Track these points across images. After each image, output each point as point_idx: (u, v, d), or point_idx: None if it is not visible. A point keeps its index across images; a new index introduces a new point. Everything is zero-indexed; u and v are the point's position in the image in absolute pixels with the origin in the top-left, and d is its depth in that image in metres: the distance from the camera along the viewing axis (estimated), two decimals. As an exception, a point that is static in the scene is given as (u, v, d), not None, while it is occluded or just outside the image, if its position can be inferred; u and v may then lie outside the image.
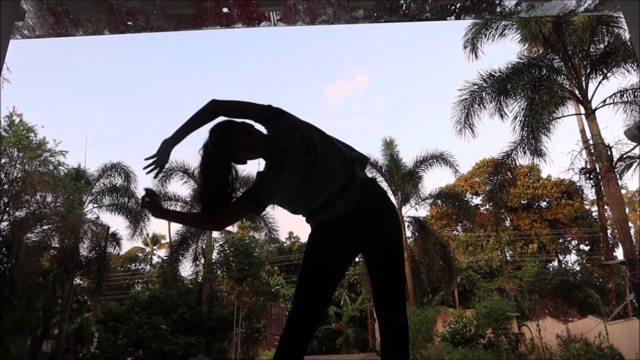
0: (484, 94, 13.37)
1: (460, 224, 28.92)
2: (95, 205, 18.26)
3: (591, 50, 12.28)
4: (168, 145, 1.84)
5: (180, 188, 24.71)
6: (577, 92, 12.70)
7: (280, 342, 1.76)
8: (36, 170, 13.02)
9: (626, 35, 11.13)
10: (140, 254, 35.59)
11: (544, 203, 29.56)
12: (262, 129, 1.98)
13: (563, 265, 28.02)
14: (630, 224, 19.05)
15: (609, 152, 11.77)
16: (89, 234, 16.18)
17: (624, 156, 11.96)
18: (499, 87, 13.15)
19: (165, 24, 3.04)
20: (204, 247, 20.31)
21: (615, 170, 12.05)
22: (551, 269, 25.49)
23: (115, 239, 19.03)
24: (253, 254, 17.33)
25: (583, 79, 12.54)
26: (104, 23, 3.03)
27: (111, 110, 56.57)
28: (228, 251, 17.48)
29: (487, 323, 15.15)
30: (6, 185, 12.57)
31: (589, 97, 12.43)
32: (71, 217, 13.94)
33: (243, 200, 1.87)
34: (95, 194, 18.26)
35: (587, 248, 29.23)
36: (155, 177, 1.93)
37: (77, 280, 19.42)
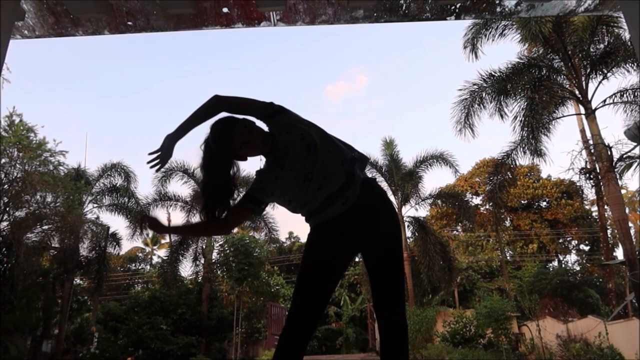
0: (484, 94, 13.38)
1: (460, 224, 28.91)
2: (95, 205, 18.27)
3: (591, 50, 12.28)
4: (171, 140, 1.85)
5: (180, 188, 24.72)
6: (577, 92, 12.70)
7: (280, 342, 1.76)
8: (36, 170, 13.03)
9: (626, 35, 11.13)
10: (140, 254, 35.58)
11: (544, 203, 29.56)
12: (263, 126, 1.98)
13: (563, 265, 28.03)
14: (630, 224, 19.05)
15: (609, 152, 11.77)
16: (89, 234, 16.19)
17: (624, 156, 11.96)
18: (499, 87, 13.15)
19: (165, 24, 3.04)
20: (204, 247, 20.31)
21: (615, 170, 12.05)
22: (551, 269, 25.49)
23: (115, 239, 19.03)
24: (253, 254, 17.33)
25: (583, 79, 12.55)
26: (104, 23, 3.03)
27: (111, 110, 56.60)
28: (228, 251, 17.48)
29: (487, 323, 15.15)
30: (6, 185, 12.58)
31: (589, 97, 12.43)
32: (71, 217, 13.94)
33: (243, 202, 1.90)
34: (95, 194, 18.26)
35: (587, 248, 29.23)
36: (158, 170, 1.95)
37: (77, 280, 19.42)
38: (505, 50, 45.28)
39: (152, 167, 1.85)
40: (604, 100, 12.40)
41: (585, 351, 11.83)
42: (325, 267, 1.81)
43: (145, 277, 31.81)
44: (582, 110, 13.21)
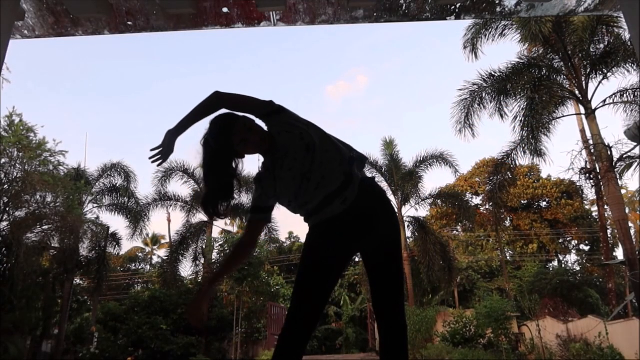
0: (484, 94, 13.38)
1: (460, 224, 28.91)
2: (95, 205, 18.28)
3: (591, 50, 12.28)
4: (172, 135, 1.86)
5: (181, 188, 24.74)
6: (577, 92, 12.70)
7: (279, 341, 1.76)
8: (36, 170, 13.03)
9: (626, 35, 11.13)
10: (140, 254, 35.59)
11: (544, 203, 29.57)
12: (262, 125, 1.99)
13: (563, 265, 28.02)
14: (630, 224, 19.05)
15: (609, 152, 11.77)
16: (89, 234, 16.19)
17: (624, 156, 11.96)
18: (499, 87, 13.15)
19: (165, 24, 3.04)
20: (204, 247, 20.31)
21: (615, 170, 12.05)
22: (551, 269, 25.49)
23: (115, 239, 19.04)
24: (253, 254, 17.31)
25: (583, 79, 12.55)
26: (104, 23, 3.03)
27: (111, 110, 56.60)
28: (228, 251, 17.47)
29: (487, 323, 15.15)
30: (6, 185, 12.58)
31: (589, 97, 12.43)
32: (71, 217, 13.94)
33: (251, 218, 1.95)
34: (95, 194, 18.27)
35: (587, 248, 29.24)
36: (159, 165, 1.96)
37: (77, 280, 19.42)
38: (505, 50, 45.32)
39: (153, 162, 1.87)
40: (604, 100, 12.41)
41: (585, 351, 11.83)
42: (324, 267, 1.81)
43: (145, 277, 31.81)
44: (582, 110, 13.21)
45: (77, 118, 55.93)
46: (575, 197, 27.56)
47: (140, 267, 35.15)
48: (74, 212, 14.36)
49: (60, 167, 14.23)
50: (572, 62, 12.67)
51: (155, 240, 35.81)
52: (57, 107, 55.60)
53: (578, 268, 27.20)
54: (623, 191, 17.36)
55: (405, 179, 18.79)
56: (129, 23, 3.02)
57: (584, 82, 12.53)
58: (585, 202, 27.76)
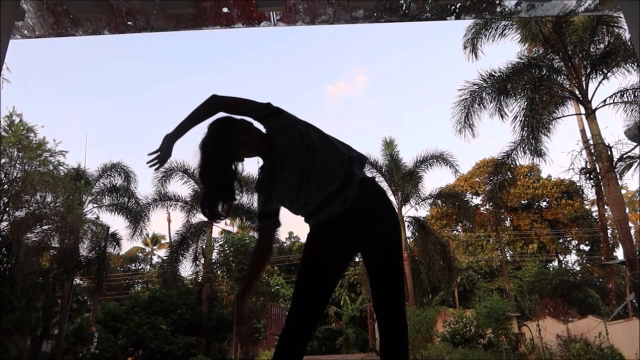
0: (484, 94, 13.38)
1: (460, 224, 28.92)
2: (95, 205, 18.28)
3: (591, 50, 12.28)
4: (170, 140, 1.85)
5: (181, 188, 24.75)
6: (577, 92, 12.70)
7: (280, 341, 1.76)
8: (36, 170, 13.03)
9: (626, 35, 11.13)
10: (140, 254, 35.59)
11: (544, 203, 29.57)
12: (260, 127, 1.98)
13: (563, 265, 28.03)
14: (630, 224, 19.04)
15: (609, 152, 11.77)
16: (89, 234, 16.18)
17: (624, 156, 11.96)
18: (499, 87, 13.15)
19: (165, 24, 3.04)
20: (204, 247, 20.31)
21: (615, 170, 12.05)
22: (551, 269, 25.49)
23: (115, 239, 19.04)
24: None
25: (583, 79, 12.55)
26: (104, 23, 3.03)
27: (111, 110, 56.57)
28: (228, 251, 17.48)
29: (487, 323, 15.16)
30: (6, 185, 12.58)
31: (589, 97, 12.43)
32: (71, 217, 13.94)
33: (259, 225, 1.94)
34: (95, 194, 18.27)
35: (587, 248, 29.24)
36: (157, 170, 1.96)
37: (77, 280, 19.43)
38: (505, 50, 45.23)
39: (151, 166, 1.87)
40: (604, 100, 12.41)
41: (586, 351, 11.83)
42: (325, 267, 1.80)
43: (145, 277, 31.80)
44: (582, 110, 13.21)
45: (77, 118, 55.96)
46: (575, 197, 27.57)
47: (140, 267, 35.15)
48: (74, 212, 14.36)
49: (60, 167, 14.24)
50: (572, 62, 12.67)
51: (155, 240, 35.81)
52: (57, 107, 55.64)
53: (578, 268, 27.22)
54: (623, 191, 17.36)
55: (405, 179, 18.79)
56: (129, 23, 3.02)
57: (584, 82, 12.52)
58: (585, 202, 27.77)
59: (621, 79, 19.66)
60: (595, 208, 23.91)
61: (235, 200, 1.96)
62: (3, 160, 12.62)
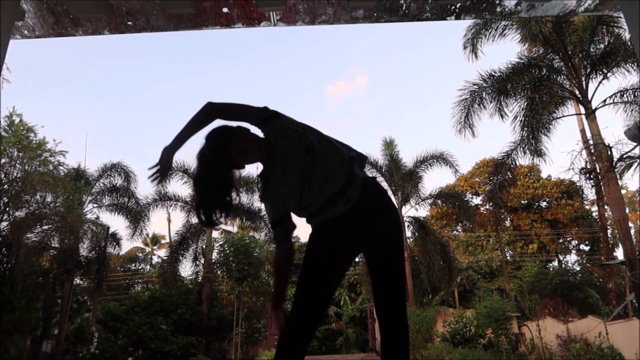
0: (484, 94, 13.38)
1: (460, 224, 28.93)
2: (95, 205, 18.28)
3: (591, 50, 12.28)
4: (169, 152, 1.83)
5: (180, 188, 24.75)
6: (577, 92, 12.70)
7: (281, 341, 1.76)
8: (36, 170, 13.03)
9: (626, 35, 11.13)
10: (140, 254, 35.58)
11: (544, 203, 29.57)
12: (258, 132, 1.96)
13: (563, 265, 28.04)
14: (630, 224, 19.04)
15: (609, 152, 11.77)
16: (89, 234, 16.18)
17: (624, 156, 11.96)
18: (499, 87, 13.15)
19: (165, 24, 3.04)
20: (204, 247, 20.31)
21: (615, 170, 12.05)
22: (551, 269, 25.50)
23: (115, 239, 19.04)
24: (253, 254, 17.32)
25: (583, 79, 12.54)
26: (104, 23, 3.02)
27: (111, 110, 56.59)
28: (228, 251, 17.48)
29: (487, 323, 15.16)
30: (6, 185, 12.58)
31: (589, 97, 12.43)
32: (71, 217, 13.94)
33: (275, 235, 1.92)
34: (95, 194, 18.27)
35: (587, 248, 29.24)
36: (159, 183, 1.94)
37: (77, 280, 19.43)
38: (505, 50, 45.29)
39: (153, 180, 1.85)
40: (604, 100, 12.41)
41: (585, 351, 11.83)
42: (327, 268, 1.80)
43: (145, 277, 31.80)
44: (582, 110, 13.21)
45: (77, 118, 55.97)
46: (575, 197, 27.57)
47: (140, 267, 35.15)
48: (74, 212, 14.36)
49: (60, 167, 14.24)
50: (572, 62, 12.67)
51: (155, 240, 35.80)
52: (57, 107, 55.65)
53: (578, 268, 27.23)
54: (623, 191, 17.36)
55: (405, 179, 18.79)
56: (129, 23, 3.02)
57: (584, 82, 12.52)
58: (585, 202, 27.78)
59: (621, 79, 19.70)
60: (595, 208, 23.94)
61: (231, 207, 1.94)
62: (3, 160, 12.62)
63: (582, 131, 15.64)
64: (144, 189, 44.79)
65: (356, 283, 27.37)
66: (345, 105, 56.72)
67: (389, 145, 19.55)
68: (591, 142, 12.58)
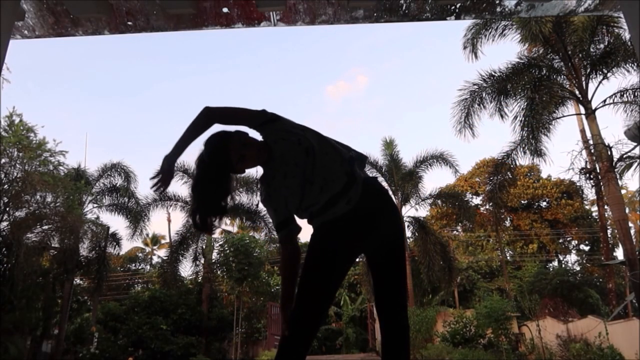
0: (484, 94, 13.38)
1: (460, 224, 28.92)
2: (95, 205, 18.28)
3: (591, 50, 12.28)
4: (170, 160, 1.84)
5: (181, 188, 24.74)
6: (577, 92, 12.70)
7: (282, 342, 1.75)
8: (36, 170, 13.03)
9: (626, 35, 11.13)
10: (140, 254, 35.57)
11: (544, 203, 29.57)
12: (257, 135, 1.96)
13: (563, 265, 28.03)
14: (630, 224, 19.05)
15: (609, 152, 11.77)
16: (89, 234, 16.18)
17: (624, 156, 11.96)
18: (499, 87, 13.15)
19: (165, 24, 3.04)
20: (204, 247, 20.31)
21: (615, 170, 12.05)
22: (551, 269, 25.50)
23: (115, 239, 19.04)
24: (253, 254, 17.33)
25: (583, 79, 12.55)
26: (104, 23, 3.03)
27: (111, 110, 56.54)
28: (228, 251, 17.47)
29: (487, 323, 15.15)
30: (6, 185, 12.58)
31: (589, 97, 12.43)
32: (71, 217, 13.94)
33: (280, 237, 1.90)
34: (95, 194, 18.27)
35: (587, 248, 29.24)
36: (162, 193, 1.94)
37: (77, 280, 19.43)
38: (505, 50, 45.25)
39: (155, 190, 1.85)
40: (604, 100, 12.41)
41: (585, 351, 11.83)
42: (329, 268, 1.80)
43: (145, 277, 31.79)
44: (582, 110, 13.21)
45: (77, 118, 55.92)
46: (575, 197, 27.57)
47: (140, 267, 35.13)
48: (74, 212, 14.36)
49: (60, 167, 14.25)
50: (572, 62, 12.67)
51: (155, 240, 35.80)
52: (57, 107, 55.60)
53: (578, 268, 27.22)
54: (623, 191, 17.36)
55: (405, 179, 18.79)
56: (129, 23, 3.02)
57: (584, 82, 12.52)
58: (585, 202, 27.77)
59: (621, 79, 19.69)
60: (595, 208, 23.93)
61: (226, 212, 1.92)
62: (3, 160, 12.62)
63: (582, 131, 15.65)
64: (144, 189, 44.39)
65: (356, 283, 27.36)
66: (345, 105, 56.74)
67: (389, 145, 19.54)
68: (591, 142, 12.59)
